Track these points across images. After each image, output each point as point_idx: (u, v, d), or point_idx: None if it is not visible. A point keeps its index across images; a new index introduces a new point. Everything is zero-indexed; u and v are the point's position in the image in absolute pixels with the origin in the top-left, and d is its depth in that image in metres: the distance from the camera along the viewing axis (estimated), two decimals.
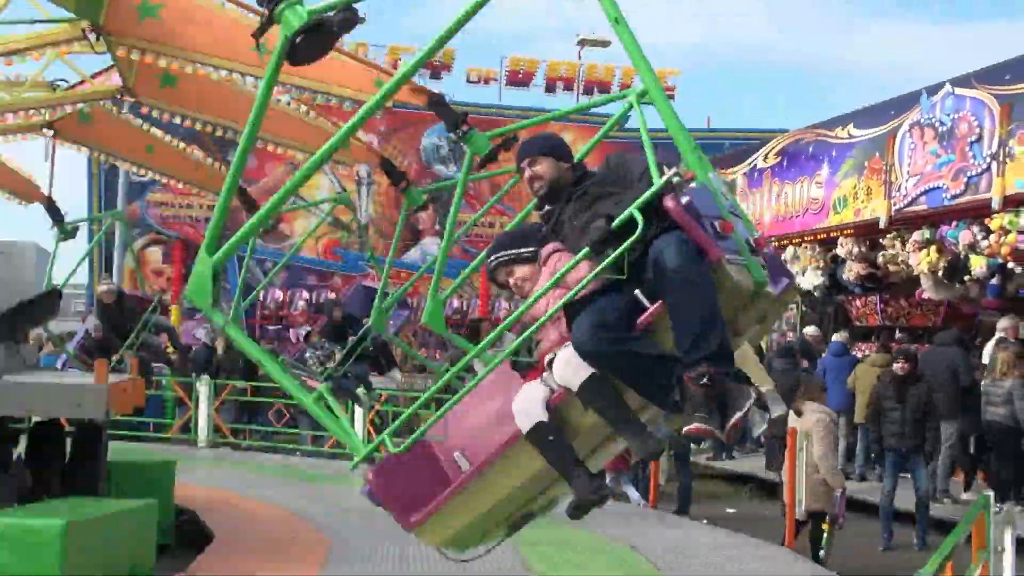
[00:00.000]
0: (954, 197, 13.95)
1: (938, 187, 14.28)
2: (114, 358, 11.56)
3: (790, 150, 18.08)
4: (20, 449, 9.67)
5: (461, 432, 4.63)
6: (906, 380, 11.86)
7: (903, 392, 11.76)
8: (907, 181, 14.96)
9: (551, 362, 4.35)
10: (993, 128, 13.33)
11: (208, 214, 25.59)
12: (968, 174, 13.68)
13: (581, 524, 10.66)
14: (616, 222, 3.93)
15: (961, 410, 13.12)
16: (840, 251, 16.85)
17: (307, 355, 16.03)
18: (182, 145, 11.95)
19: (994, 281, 14.90)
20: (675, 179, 4.02)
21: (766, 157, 18.65)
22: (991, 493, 6.84)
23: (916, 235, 14.93)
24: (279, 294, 27.11)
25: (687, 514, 12.69)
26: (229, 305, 4.78)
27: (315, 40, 4.00)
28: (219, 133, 10.32)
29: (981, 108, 13.56)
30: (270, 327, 26.94)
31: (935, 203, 14.38)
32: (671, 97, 4.05)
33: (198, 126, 10.31)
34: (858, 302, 18.90)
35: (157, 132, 11.64)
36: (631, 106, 4.27)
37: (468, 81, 29.56)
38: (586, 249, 3.97)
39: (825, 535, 10.33)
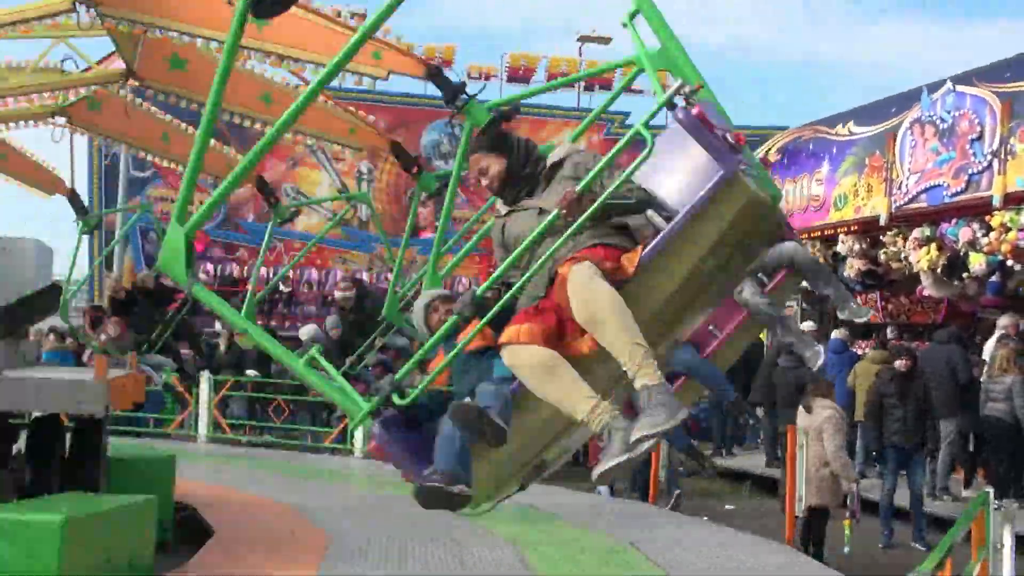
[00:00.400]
0: (955, 195, 13.95)
1: (939, 184, 14.27)
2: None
3: (791, 147, 18.07)
4: (20, 444, 9.66)
5: None
6: (908, 377, 11.87)
7: (906, 389, 11.76)
8: (908, 178, 14.95)
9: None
10: (994, 126, 13.33)
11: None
12: (969, 172, 13.67)
13: (581, 523, 10.72)
14: (624, 140, 3.92)
15: (960, 407, 13.12)
16: (841, 248, 16.84)
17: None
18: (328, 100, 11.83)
19: (994, 279, 14.89)
20: (684, 90, 3.94)
21: (767, 154, 18.63)
22: (991, 490, 6.84)
23: (916, 232, 14.93)
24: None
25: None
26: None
27: None
28: (226, 118, 10.21)
29: (982, 106, 13.55)
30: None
31: (936, 200, 14.37)
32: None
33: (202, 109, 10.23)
34: (858, 299, 18.88)
35: (173, 120, 11.55)
36: (638, 71, 4.22)
37: (469, 77, 29.53)
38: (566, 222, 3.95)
39: (846, 530, 10.41)
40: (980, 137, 13.49)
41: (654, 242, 4.05)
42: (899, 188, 15.11)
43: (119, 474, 9.83)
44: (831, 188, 16.82)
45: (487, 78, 28.65)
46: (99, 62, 10.23)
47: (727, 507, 14.00)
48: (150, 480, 9.75)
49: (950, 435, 12.99)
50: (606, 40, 29.56)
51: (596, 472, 3.86)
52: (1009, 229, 13.07)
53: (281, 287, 25.39)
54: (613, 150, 4.03)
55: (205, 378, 17.76)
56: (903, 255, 15.42)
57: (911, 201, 14.88)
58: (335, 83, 7.92)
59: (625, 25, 4.13)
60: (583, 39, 30.18)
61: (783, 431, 11.73)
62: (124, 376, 9.78)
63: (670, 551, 9.60)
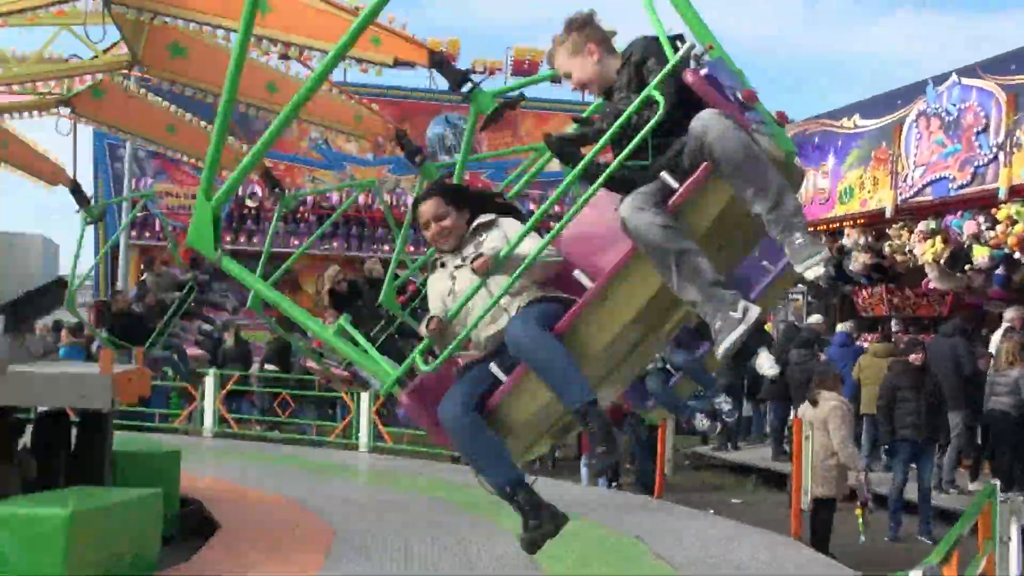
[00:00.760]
0: (960, 187, 13.93)
1: (944, 177, 14.25)
2: None
3: (796, 140, 17.98)
4: (25, 439, 9.67)
5: None
6: (921, 371, 11.87)
7: (919, 383, 11.75)
8: (913, 171, 14.93)
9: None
10: (999, 118, 13.31)
11: None
12: (974, 164, 13.65)
13: (586, 517, 10.71)
14: (635, 104, 3.90)
15: (966, 400, 13.10)
16: (846, 241, 16.82)
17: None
18: (203, 124, 11.84)
19: (1000, 271, 14.86)
20: (694, 51, 3.93)
21: None
22: (997, 483, 6.83)
23: (921, 225, 14.91)
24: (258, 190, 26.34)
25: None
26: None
27: None
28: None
29: (988, 98, 13.53)
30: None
31: (941, 193, 14.36)
32: None
33: (209, 99, 10.18)
34: (864, 292, 18.87)
35: (179, 111, 11.52)
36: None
37: (473, 72, 29.53)
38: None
39: (860, 519, 10.44)
40: (986, 129, 13.47)
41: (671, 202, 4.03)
42: (905, 181, 15.09)
43: (125, 468, 9.84)
44: (837, 181, 16.80)
45: (492, 72, 28.65)
46: (105, 51, 10.22)
47: (733, 501, 14.00)
48: (155, 474, 9.77)
49: (956, 428, 12.97)
50: (612, 34, 29.56)
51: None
52: (1015, 222, 13.05)
53: (249, 203, 25.16)
54: (619, 120, 3.99)
55: (211, 373, 17.78)
56: (907, 248, 15.40)
57: (917, 194, 14.86)
58: (339, 76, 7.87)
59: None
60: None
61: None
62: (129, 370, 9.79)
63: (676, 544, 9.59)
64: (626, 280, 4.08)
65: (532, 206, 18.47)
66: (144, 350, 12.11)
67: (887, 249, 15.99)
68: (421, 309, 6.20)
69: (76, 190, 11.95)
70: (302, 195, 10.64)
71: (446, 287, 4.60)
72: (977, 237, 13.78)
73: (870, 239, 16.45)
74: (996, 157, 13.30)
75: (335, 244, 25.92)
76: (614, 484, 14.91)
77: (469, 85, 4.57)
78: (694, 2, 4.06)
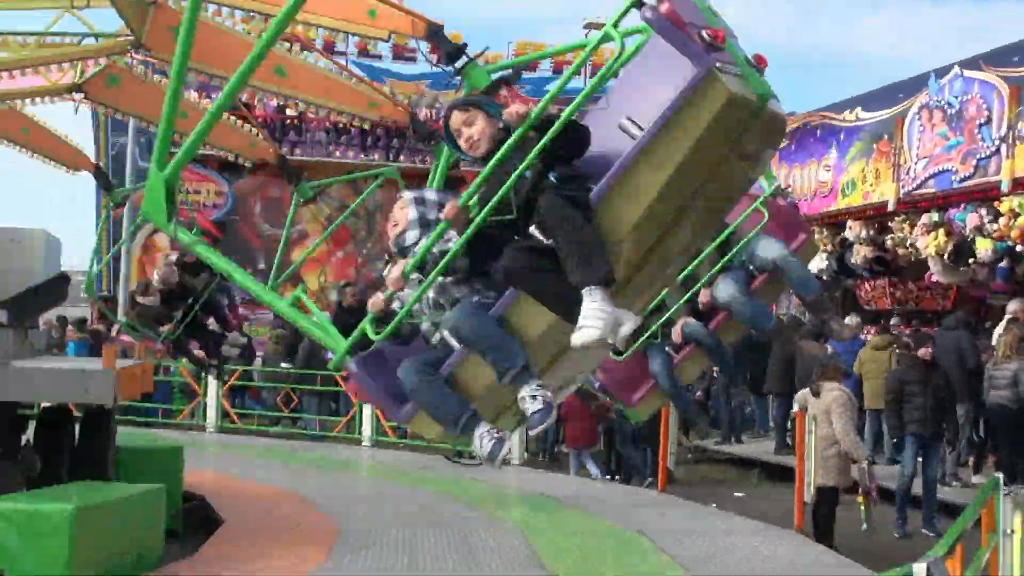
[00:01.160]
0: (963, 180, 13.91)
1: (947, 170, 14.23)
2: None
3: (798, 133, 18.01)
4: (29, 434, 9.68)
5: None
6: (930, 366, 11.86)
7: (927, 378, 11.73)
8: (916, 164, 14.91)
9: None
10: (1002, 110, 13.28)
11: (216, 200, 25.70)
12: (977, 156, 13.63)
13: (589, 511, 10.71)
14: (593, 42, 3.80)
15: (970, 394, 13.08)
16: (848, 234, 16.80)
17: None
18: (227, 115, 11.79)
19: (1003, 264, 14.85)
20: None
21: None
22: (1001, 476, 6.82)
23: (924, 218, 14.89)
24: None
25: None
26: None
27: None
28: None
29: (990, 90, 13.50)
30: None
31: (944, 186, 14.34)
32: None
33: (215, 81, 10.10)
34: (867, 286, 18.85)
35: (191, 96, 11.47)
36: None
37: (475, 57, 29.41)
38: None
39: (862, 508, 10.51)
40: (988, 122, 13.44)
41: (626, 153, 3.79)
42: (907, 173, 15.07)
43: (128, 464, 9.86)
44: (839, 174, 16.77)
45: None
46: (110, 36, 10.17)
47: (736, 494, 14.00)
48: (159, 470, 9.78)
49: (959, 420, 12.95)
50: None
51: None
52: (1018, 214, 13.03)
53: (289, 111, 24.91)
54: (573, 64, 3.83)
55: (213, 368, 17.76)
56: (909, 241, 15.39)
57: (919, 187, 14.84)
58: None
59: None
60: (590, 26, 30.10)
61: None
62: (133, 366, 9.80)
63: (678, 538, 9.59)
64: None
65: None
66: (164, 337, 12.11)
67: (889, 242, 15.97)
68: None
69: (99, 175, 11.92)
70: (320, 185, 10.52)
71: None
72: (980, 230, 13.76)
73: (872, 232, 16.43)
74: (999, 149, 13.27)
75: (375, 156, 25.67)
76: (616, 476, 14.97)
77: (464, 59, 4.50)
78: None
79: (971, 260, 14.64)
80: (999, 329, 13.54)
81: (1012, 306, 13.74)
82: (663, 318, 7.25)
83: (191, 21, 4.23)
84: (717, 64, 3.65)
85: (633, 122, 3.90)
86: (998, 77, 13.40)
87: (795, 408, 11.99)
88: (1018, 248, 13.58)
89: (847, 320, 17.00)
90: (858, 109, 16.52)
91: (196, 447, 13.42)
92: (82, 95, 10.71)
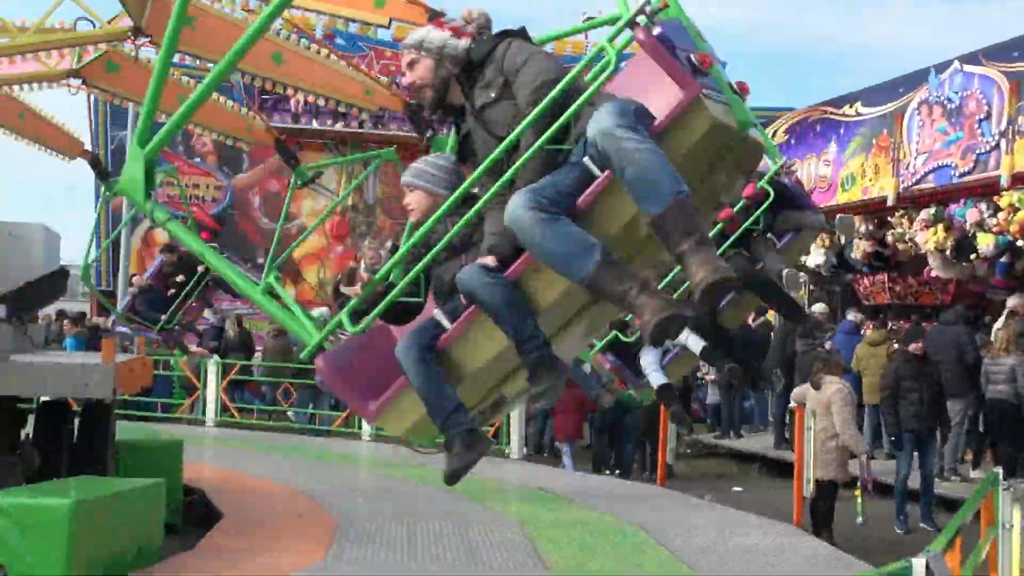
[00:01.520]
0: (963, 175, 13.90)
1: (947, 165, 14.22)
2: None
3: (798, 128, 18.01)
4: (28, 429, 9.68)
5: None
6: (923, 361, 11.86)
7: (921, 372, 11.73)
8: (915, 159, 14.90)
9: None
10: (1002, 105, 13.27)
11: (216, 195, 25.68)
12: (977, 152, 13.62)
13: (589, 505, 10.72)
14: (584, 61, 3.75)
15: (969, 388, 13.09)
16: None
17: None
18: (220, 96, 11.74)
19: (1003, 259, 14.86)
20: (647, 8, 3.66)
21: (773, 135, 18.57)
22: (1000, 470, 6.83)
23: (924, 213, 14.89)
24: None
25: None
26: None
27: None
28: (236, 77, 10.04)
29: (990, 85, 13.50)
30: None
31: (943, 181, 14.33)
32: None
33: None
34: (866, 281, 18.86)
35: (192, 83, 11.42)
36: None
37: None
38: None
39: (858, 501, 10.50)
40: (988, 117, 13.44)
41: (598, 180, 3.75)
42: (907, 168, 15.06)
43: (127, 458, 9.86)
44: (838, 169, 16.77)
45: None
46: (109, 22, 10.15)
47: (735, 489, 14.01)
48: (158, 464, 9.78)
49: (958, 415, 12.96)
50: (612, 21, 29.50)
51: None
52: (1018, 209, 13.03)
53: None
54: (570, 74, 3.79)
55: (213, 362, 17.78)
56: (908, 236, 15.39)
57: (919, 181, 14.84)
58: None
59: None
60: (589, 20, 30.13)
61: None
62: (132, 360, 9.79)
63: (678, 533, 9.60)
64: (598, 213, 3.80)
65: None
66: (161, 327, 12.10)
67: (889, 237, 15.98)
68: None
69: (95, 163, 11.89)
70: (318, 167, 10.48)
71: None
72: (981, 225, 13.76)
73: (872, 227, 16.43)
74: (998, 144, 13.27)
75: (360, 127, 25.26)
76: (616, 471, 15.00)
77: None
78: None
79: (972, 255, 14.64)
80: (999, 323, 13.56)
81: (1012, 301, 13.76)
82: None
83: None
84: (704, 91, 3.68)
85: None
86: (998, 72, 13.39)
87: (792, 403, 12.01)
88: (1018, 243, 13.58)
89: (816, 308, 17.03)
90: (858, 104, 16.51)
91: (196, 441, 13.43)
92: (80, 81, 10.69)
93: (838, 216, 7.57)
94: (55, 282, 10.66)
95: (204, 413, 17.74)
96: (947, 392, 12.37)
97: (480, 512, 10.38)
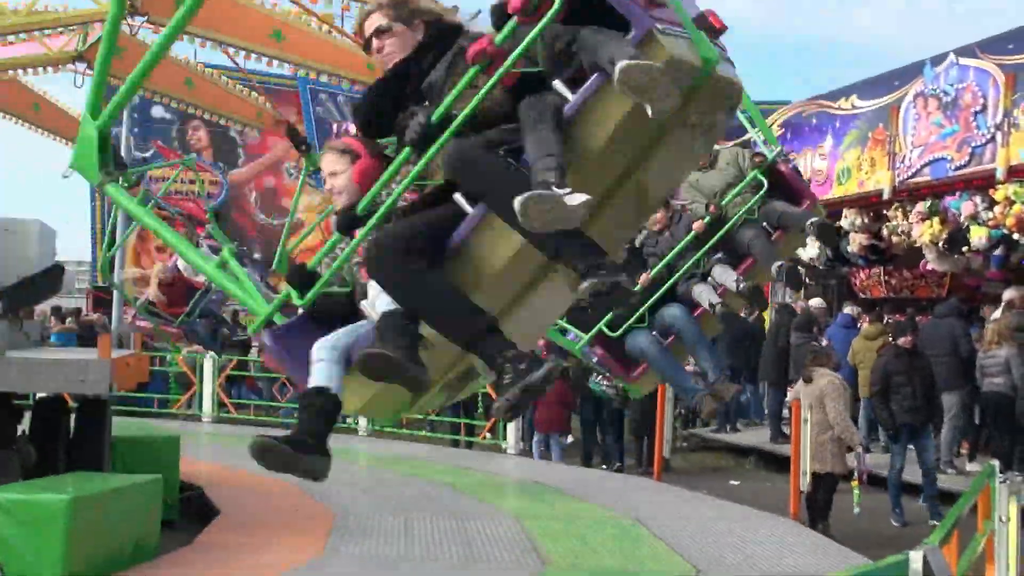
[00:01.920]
0: (958, 168, 13.90)
1: (942, 158, 14.22)
2: None
3: (793, 122, 17.99)
4: (24, 425, 9.67)
5: None
6: (913, 354, 11.86)
7: (912, 366, 11.73)
8: (911, 152, 14.90)
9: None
10: (997, 98, 13.27)
11: (212, 189, 25.63)
12: (972, 144, 13.62)
13: (585, 498, 10.72)
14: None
15: (964, 381, 13.10)
16: (844, 223, 16.78)
17: None
18: (225, 79, 11.68)
19: (998, 252, 14.86)
20: None
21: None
22: (996, 463, 6.83)
23: (919, 206, 14.89)
24: None
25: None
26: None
27: None
28: (234, 53, 9.99)
29: (985, 78, 13.49)
30: None
31: (939, 174, 14.32)
32: None
33: (213, 47, 9.98)
34: (862, 274, 18.86)
35: (198, 65, 11.39)
36: None
37: None
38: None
39: (855, 492, 10.53)
40: (983, 110, 13.43)
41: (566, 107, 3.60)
42: (902, 162, 15.06)
43: (124, 454, 9.86)
44: (834, 162, 16.76)
45: None
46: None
47: (732, 482, 14.02)
48: (155, 460, 9.78)
49: (953, 408, 12.97)
50: None
51: None
52: (1013, 202, 13.03)
53: None
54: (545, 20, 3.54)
55: (209, 357, 17.76)
56: (902, 229, 15.39)
57: (915, 175, 14.83)
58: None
59: None
60: None
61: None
62: (128, 356, 9.79)
63: (675, 526, 9.61)
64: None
65: None
66: (180, 322, 12.07)
67: (885, 230, 15.97)
68: None
69: (112, 152, 11.85)
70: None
71: None
72: (975, 218, 13.76)
73: (867, 220, 16.43)
74: (994, 137, 13.26)
75: None
76: (604, 466, 15.01)
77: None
78: None
79: (964, 248, 14.65)
80: (996, 314, 13.57)
81: (1008, 294, 13.77)
82: (649, 301, 7.28)
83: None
84: (659, 26, 3.50)
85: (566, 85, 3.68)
86: (994, 65, 13.38)
87: (790, 397, 12.02)
88: (1013, 235, 13.58)
89: (812, 302, 17.05)
90: (853, 97, 16.50)
91: (192, 437, 13.43)
92: (84, 64, 10.65)
93: (811, 221, 7.48)
94: (51, 278, 10.64)
95: (201, 409, 17.70)
96: (942, 385, 12.38)
97: (477, 506, 10.39)
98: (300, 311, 3.99)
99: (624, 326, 7.34)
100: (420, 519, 9.63)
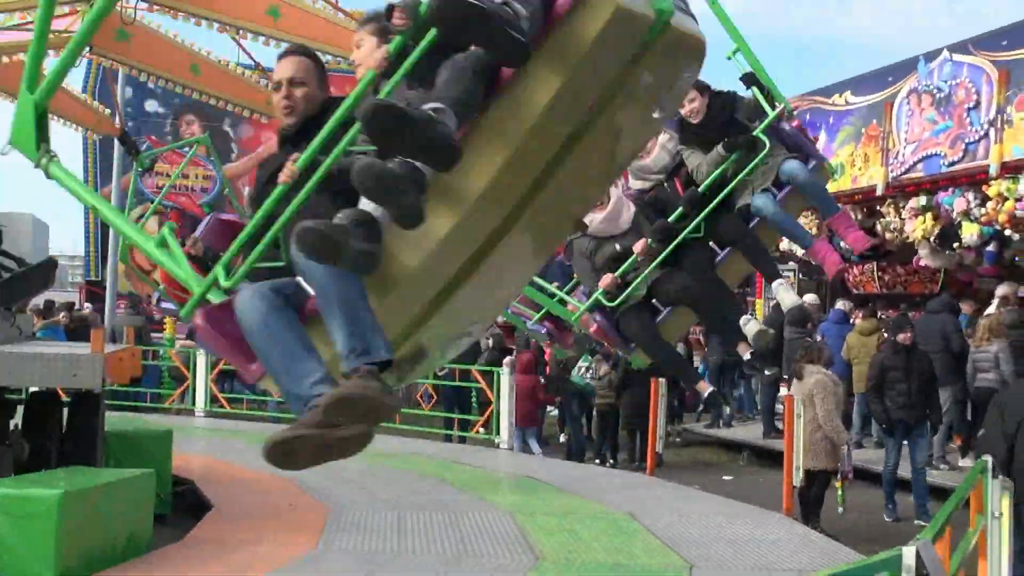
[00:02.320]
0: (951, 164, 13.90)
1: (936, 154, 14.22)
2: None
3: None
4: (17, 419, 9.65)
5: None
6: (911, 350, 11.86)
7: (909, 362, 11.73)
8: (904, 148, 14.90)
9: None
10: (991, 94, 13.27)
11: (205, 184, 25.60)
12: (966, 141, 13.62)
13: (579, 494, 10.72)
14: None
15: (956, 376, 13.12)
16: None
17: None
18: (232, 64, 11.61)
19: (991, 248, 14.88)
20: None
21: None
22: (989, 458, 6.84)
23: (912, 202, 14.90)
24: None
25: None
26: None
27: None
28: (233, 33, 9.91)
29: (979, 74, 13.50)
30: None
31: (932, 170, 14.33)
32: None
33: (211, 26, 9.88)
34: (855, 270, 18.88)
35: (203, 50, 11.31)
36: None
37: None
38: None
39: (839, 491, 10.56)
40: (977, 106, 13.44)
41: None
42: (896, 158, 15.07)
43: (117, 448, 9.85)
44: (828, 158, 16.74)
45: None
46: None
47: (725, 477, 14.04)
48: (148, 454, 9.78)
49: (945, 404, 12.98)
50: None
51: None
52: (1006, 199, 13.05)
53: None
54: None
55: (203, 352, 17.73)
56: (893, 225, 15.40)
57: (908, 171, 14.84)
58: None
59: None
60: None
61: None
62: (121, 350, 9.77)
63: (668, 521, 9.62)
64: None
65: None
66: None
67: (878, 226, 15.99)
68: None
69: (124, 139, 11.81)
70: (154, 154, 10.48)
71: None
72: (967, 214, 13.77)
73: (861, 216, 16.44)
74: (987, 134, 13.27)
75: None
76: (609, 462, 15.06)
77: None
78: None
79: (957, 244, 14.66)
80: (990, 309, 13.60)
81: (1001, 290, 13.80)
82: (643, 274, 7.19)
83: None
84: None
85: None
86: (987, 61, 13.39)
87: (783, 392, 12.02)
88: (1006, 232, 13.60)
89: (806, 298, 17.04)
90: (847, 93, 16.51)
91: (185, 431, 13.40)
92: (88, 49, 10.60)
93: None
94: (44, 272, 10.63)
95: (194, 403, 17.69)
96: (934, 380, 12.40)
97: (470, 500, 10.39)
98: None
99: (622, 296, 7.21)
100: (413, 514, 9.63)
